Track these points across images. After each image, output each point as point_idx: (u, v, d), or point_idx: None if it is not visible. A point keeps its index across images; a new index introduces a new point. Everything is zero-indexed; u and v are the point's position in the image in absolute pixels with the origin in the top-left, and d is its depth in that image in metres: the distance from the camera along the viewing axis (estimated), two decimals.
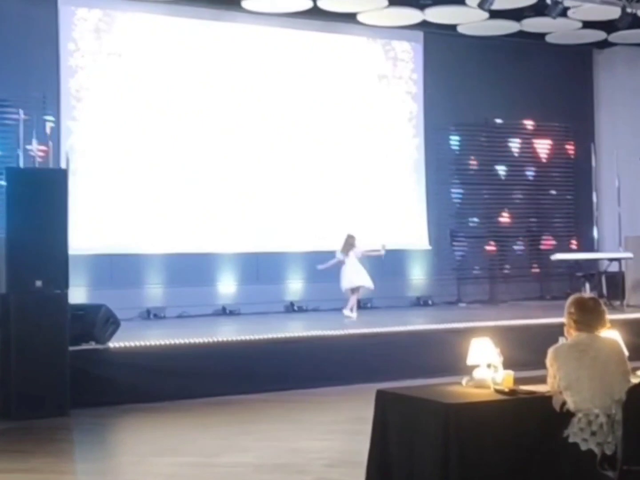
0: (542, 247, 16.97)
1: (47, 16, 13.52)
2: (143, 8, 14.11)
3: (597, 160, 17.24)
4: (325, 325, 11.91)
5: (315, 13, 14.30)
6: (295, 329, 11.64)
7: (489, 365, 5.40)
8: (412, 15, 14.59)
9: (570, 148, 17.44)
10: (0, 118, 13.04)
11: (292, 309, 14.77)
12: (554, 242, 17.04)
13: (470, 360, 5.49)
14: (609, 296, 14.61)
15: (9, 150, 12.57)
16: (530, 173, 17.13)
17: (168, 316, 13.77)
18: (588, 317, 5.26)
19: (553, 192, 17.29)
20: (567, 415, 5.03)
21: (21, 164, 10.94)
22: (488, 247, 16.66)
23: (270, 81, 14.93)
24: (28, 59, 13.11)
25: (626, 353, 5.51)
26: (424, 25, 15.12)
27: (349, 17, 14.69)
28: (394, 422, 5.33)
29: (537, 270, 16.75)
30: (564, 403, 5.09)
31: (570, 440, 4.95)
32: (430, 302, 15.68)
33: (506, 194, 16.91)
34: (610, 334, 5.52)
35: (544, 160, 17.25)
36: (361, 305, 14.68)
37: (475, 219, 16.70)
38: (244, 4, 14.00)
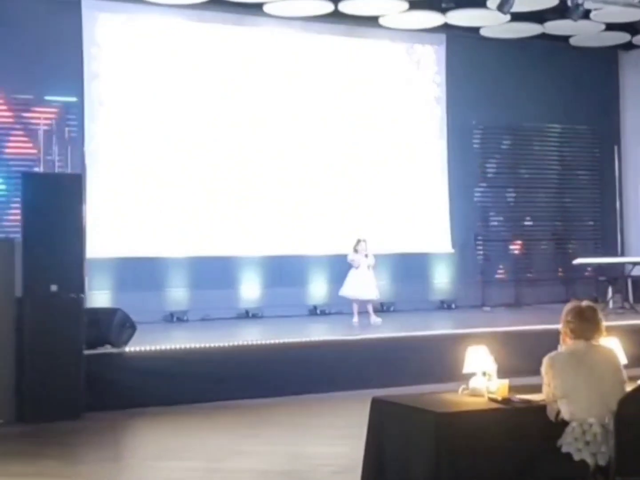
0: (567, 250, 16.82)
1: (71, 21, 13.59)
2: (165, 13, 14.17)
3: (622, 163, 17.10)
4: (341, 330, 11.92)
5: (336, 17, 14.30)
6: (309, 333, 11.65)
7: (484, 374, 5.38)
8: (434, 18, 14.54)
9: (595, 151, 17.25)
10: (22, 122, 13.19)
11: (315, 312, 14.77)
12: (578, 246, 16.88)
13: (466, 369, 5.47)
14: (635, 300, 14.53)
15: (31, 154, 12.72)
16: (555, 176, 16.98)
17: (191, 319, 13.82)
18: (585, 325, 5.21)
19: (578, 195, 17.10)
20: (561, 425, 5.00)
21: (41, 169, 11.11)
22: (513, 250, 16.60)
23: (291, 85, 14.95)
24: (52, 64, 13.20)
25: (625, 361, 5.47)
26: (446, 28, 15.07)
27: (371, 21, 14.67)
28: (388, 430, 5.33)
29: (563, 273, 16.62)
30: (558, 412, 5.06)
31: (564, 450, 4.91)
32: (453, 305, 15.61)
33: (531, 197, 16.78)
34: (610, 342, 5.49)
35: (569, 163, 17.09)
36: (384, 309, 14.68)
37: (500, 222, 16.61)
38: (265, 8, 14.03)
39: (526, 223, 16.74)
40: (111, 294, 13.34)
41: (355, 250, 13.28)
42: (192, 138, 14.28)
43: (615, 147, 17.08)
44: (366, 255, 13.22)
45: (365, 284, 13.20)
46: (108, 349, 9.73)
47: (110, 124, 13.87)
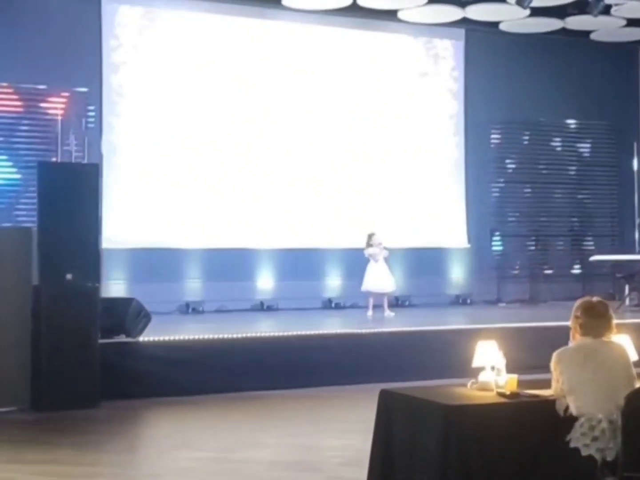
0: (583, 246, 16.78)
1: (90, 13, 13.71)
2: (184, 5, 14.25)
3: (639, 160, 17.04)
4: (354, 324, 11.94)
5: (355, 10, 14.32)
6: (323, 326, 11.68)
7: (492, 368, 5.39)
8: (453, 13, 14.53)
9: (613, 147, 17.17)
10: (39, 112, 13.27)
11: (329, 305, 14.80)
12: (595, 242, 16.83)
13: (475, 363, 5.48)
14: None
15: (48, 144, 12.79)
16: (572, 172, 16.94)
17: (206, 310, 13.91)
18: (595, 322, 5.18)
19: (596, 191, 17.06)
20: (570, 420, 5.00)
21: (58, 159, 11.16)
22: (529, 246, 16.56)
23: (309, 79, 14.97)
24: (71, 55, 13.30)
25: (635, 358, 5.46)
26: (465, 22, 15.06)
27: (390, 14, 14.69)
28: (396, 422, 5.33)
29: (579, 270, 16.57)
30: (567, 407, 5.05)
31: (572, 445, 4.90)
32: (469, 300, 15.59)
33: (548, 193, 16.73)
34: (621, 339, 5.47)
35: (587, 159, 17.04)
36: (399, 303, 14.70)
37: (516, 218, 16.58)
38: (284, 1, 14.05)
39: (543, 219, 16.68)
40: (127, 284, 13.44)
41: (370, 245, 13.28)
42: (210, 130, 14.34)
43: (634, 144, 17.00)
44: (385, 248, 13.26)
45: (384, 277, 13.25)
46: (123, 338, 9.78)
47: (128, 116, 13.94)
